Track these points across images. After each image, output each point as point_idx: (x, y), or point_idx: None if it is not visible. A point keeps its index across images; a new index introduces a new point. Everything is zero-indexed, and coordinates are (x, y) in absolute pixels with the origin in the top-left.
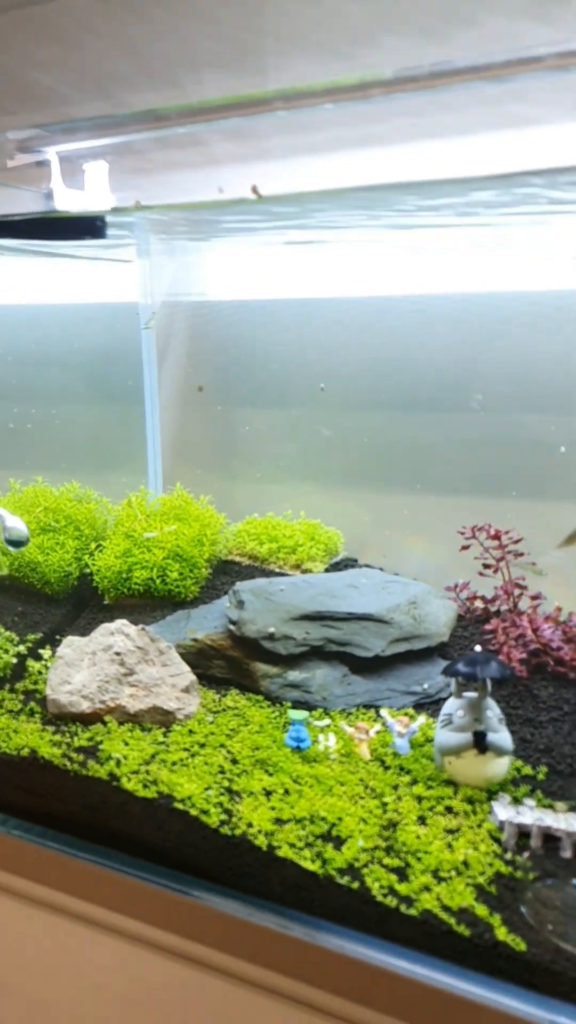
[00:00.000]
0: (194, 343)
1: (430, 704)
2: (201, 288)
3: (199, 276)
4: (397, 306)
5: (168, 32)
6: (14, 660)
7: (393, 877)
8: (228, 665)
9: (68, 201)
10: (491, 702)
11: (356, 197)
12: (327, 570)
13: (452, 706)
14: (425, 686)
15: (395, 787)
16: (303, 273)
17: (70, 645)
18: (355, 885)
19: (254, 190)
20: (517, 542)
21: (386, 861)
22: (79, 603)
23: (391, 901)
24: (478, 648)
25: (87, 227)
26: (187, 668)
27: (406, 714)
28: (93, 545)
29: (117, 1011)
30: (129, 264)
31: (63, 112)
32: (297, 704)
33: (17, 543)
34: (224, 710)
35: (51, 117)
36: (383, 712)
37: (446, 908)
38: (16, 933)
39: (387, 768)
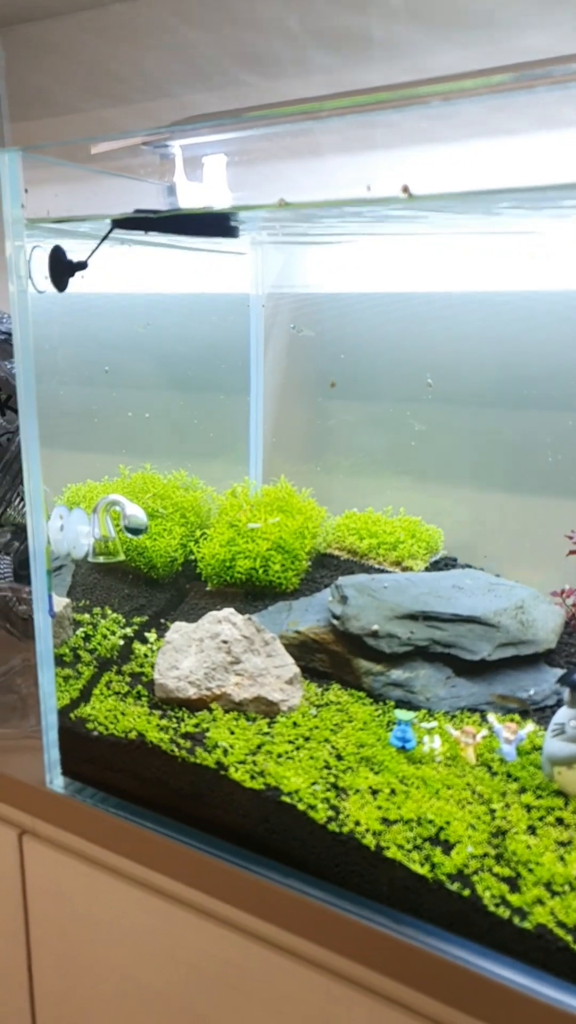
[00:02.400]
0: (298, 335)
1: (537, 711)
2: (305, 280)
3: (303, 269)
4: (508, 302)
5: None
6: (121, 642)
7: (504, 887)
8: (330, 659)
9: (189, 195)
10: None
11: (510, 197)
12: (427, 569)
13: (565, 716)
14: (532, 692)
15: (503, 794)
16: (410, 266)
17: (178, 631)
18: (466, 892)
19: (405, 189)
20: None
21: (496, 870)
22: (182, 589)
23: (503, 912)
24: None
25: (222, 226)
26: (291, 660)
27: (513, 720)
28: (198, 533)
29: (211, 994)
30: (243, 256)
31: (180, 104)
32: (400, 703)
33: (136, 531)
34: (327, 704)
35: (168, 111)
36: (490, 717)
37: (561, 924)
38: (114, 911)
39: (494, 774)
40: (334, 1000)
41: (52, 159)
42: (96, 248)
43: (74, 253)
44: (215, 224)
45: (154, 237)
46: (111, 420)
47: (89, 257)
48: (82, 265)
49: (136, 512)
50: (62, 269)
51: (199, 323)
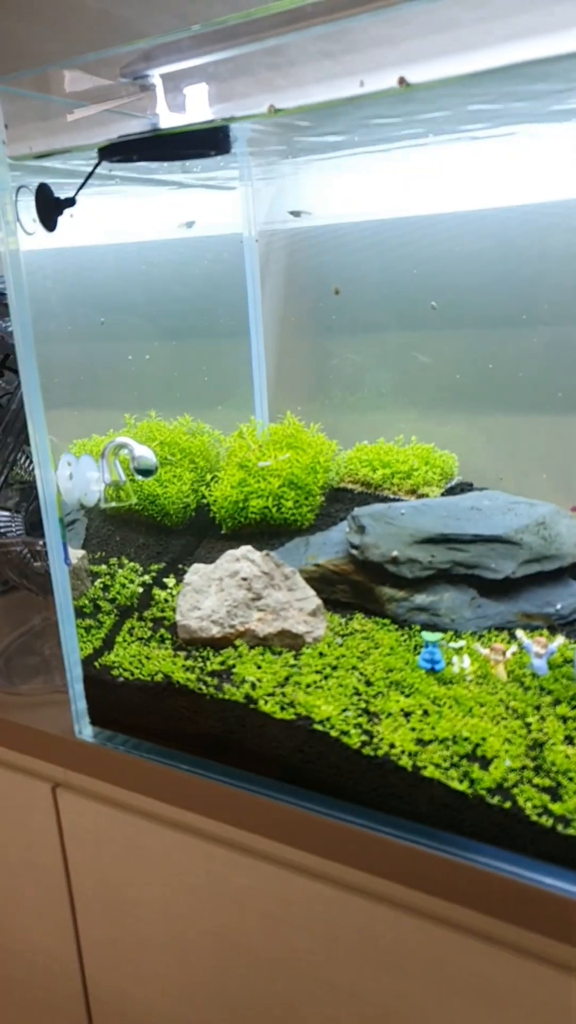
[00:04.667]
0: (293, 272)
1: (565, 625)
2: (301, 209)
3: (296, 200)
4: (513, 217)
5: None
6: (140, 589)
7: (546, 797)
8: (352, 590)
9: (172, 123)
10: None
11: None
12: (444, 495)
13: None
14: (559, 607)
15: (537, 707)
16: (407, 187)
17: (196, 572)
18: (507, 805)
19: (401, 80)
20: None
21: (536, 781)
22: (197, 534)
23: (547, 821)
24: None
25: (213, 141)
26: (312, 592)
27: (542, 634)
28: (208, 477)
29: (258, 929)
30: (233, 192)
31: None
32: (425, 628)
33: (146, 472)
34: (352, 633)
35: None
36: (519, 633)
37: None
38: (154, 855)
39: (527, 689)
40: (380, 921)
41: (31, 93)
42: (84, 182)
43: (62, 192)
44: (206, 139)
45: (142, 173)
46: (111, 373)
47: (77, 192)
48: (70, 201)
49: (145, 453)
50: (50, 207)
51: (193, 267)
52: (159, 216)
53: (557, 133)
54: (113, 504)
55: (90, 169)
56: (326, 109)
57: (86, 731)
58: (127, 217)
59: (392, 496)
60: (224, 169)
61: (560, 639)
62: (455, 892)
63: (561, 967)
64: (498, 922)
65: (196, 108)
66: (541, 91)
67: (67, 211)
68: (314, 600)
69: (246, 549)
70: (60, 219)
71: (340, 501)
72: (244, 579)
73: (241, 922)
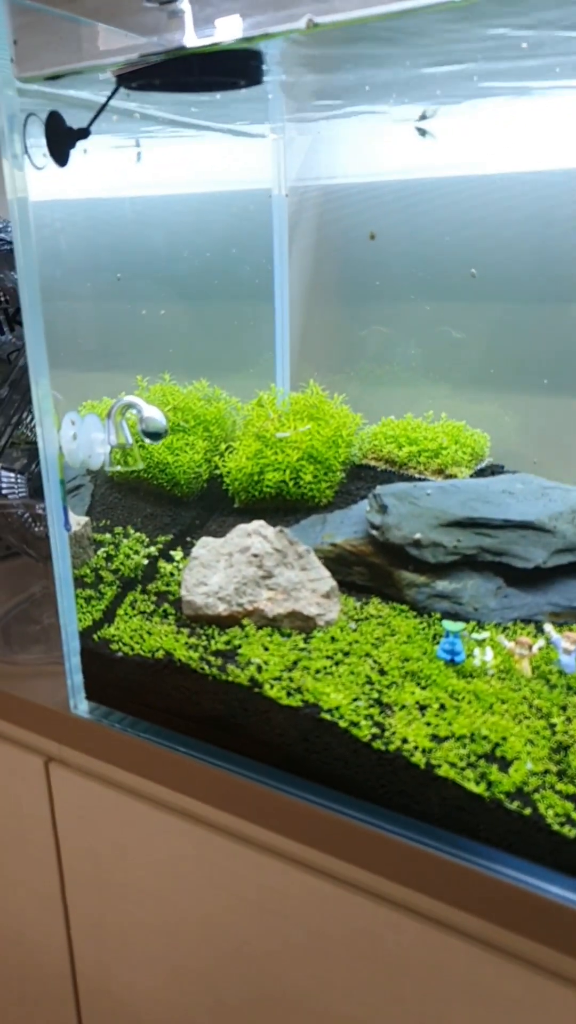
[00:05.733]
0: (325, 232)
1: None
2: (332, 171)
3: (330, 157)
4: (564, 182)
5: None
6: (145, 561)
7: (569, 805)
8: (369, 572)
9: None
10: None
11: None
12: (473, 477)
13: None
14: None
15: (563, 708)
16: (449, 148)
17: (205, 546)
18: (527, 811)
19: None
20: None
21: (559, 787)
22: (209, 506)
23: (569, 831)
24: None
25: (239, 66)
26: (327, 573)
27: (572, 629)
28: (223, 446)
29: (251, 919)
30: (263, 141)
31: None
32: (447, 616)
33: (155, 435)
34: (367, 618)
35: None
36: (547, 627)
37: None
38: (146, 837)
39: (553, 687)
40: (381, 923)
41: (43, 6)
42: (99, 111)
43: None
44: (234, 65)
45: (162, 110)
46: (125, 333)
47: (91, 123)
48: (84, 133)
49: (154, 414)
50: (62, 138)
51: (217, 224)
52: (182, 167)
53: None
54: (119, 468)
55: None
56: (371, 40)
57: (81, 706)
58: (148, 167)
59: (418, 475)
60: (254, 111)
61: None
62: (463, 898)
63: (571, 982)
64: (506, 932)
65: (224, 28)
66: None
67: (80, 145)
68: (328, 581)
69: (258, 524)
70: (73, 153)
71: (362, 479)
72: (255, 555)
73: (233, 911)
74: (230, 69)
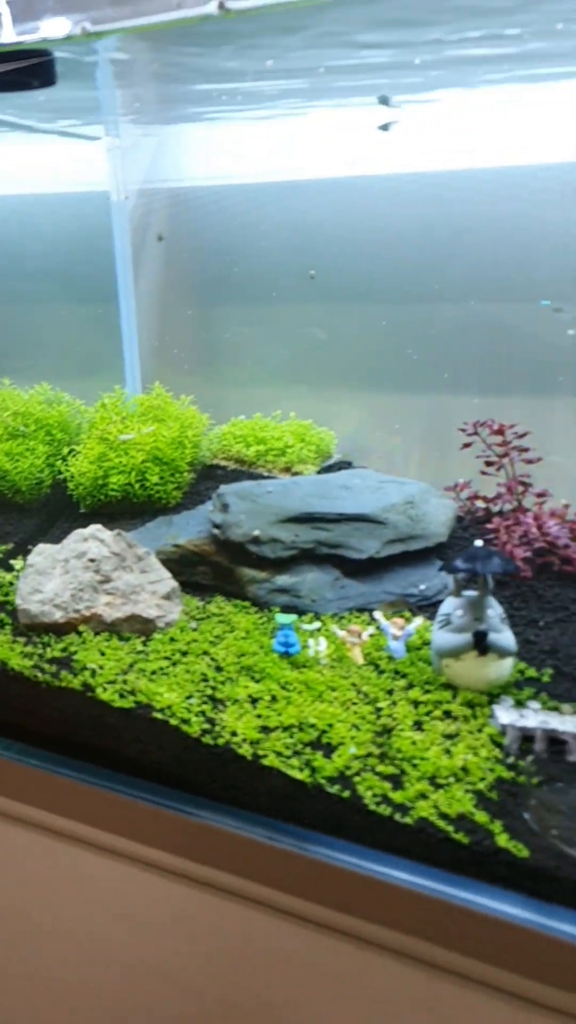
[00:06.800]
0: (176, 235)
1: (428, 607)
2: (177, 174)
3: (173, 160)
4: (396, 185)
5: None
6: None
7: (387, 785)
8: (212, 571)
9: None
10: (492, 601)
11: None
12: (319, 473)
13: (450, 606)
14: (422, 588)
15: (390, 692)
16: (287, 151)
17: (41, 553)
18: (346, 794)
19: (221, 4)
20: (522, 436)
21: (380, 769)
22: (53, 512)
23: (385, 810)
24: (479, 543)
25: (31, 69)
26: (168, 574)
27: (402, 616)
28: (66, 450)
29: (105, 925)
30: (97, 143)
31: None
32: (287, 609)
33: None
34: (208, 617)
35: None
36: (377, 614)
37: (443, 815)
38: None
39: (381, 672)
40: (222, 914)
41: None
42: None
43: None
44: (26, 65)
45: None
46: None
47: None
48: None
49: None
50: None
51: (50, 227)
52: (10, 168)
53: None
54: None
55: None
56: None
57: None
58: None
59: (266, 474)
60: (86, 113)
61: (418, 621)
62: (291, 883)
63: (395, 952)
64: (332, 912)
65: (50, 27)
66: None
67: None
68: (169, 583)
69: (95, 528)
70: None
71: (212, 479)
72: (92, 560)
73: (83, 918)
74: (24, 69)
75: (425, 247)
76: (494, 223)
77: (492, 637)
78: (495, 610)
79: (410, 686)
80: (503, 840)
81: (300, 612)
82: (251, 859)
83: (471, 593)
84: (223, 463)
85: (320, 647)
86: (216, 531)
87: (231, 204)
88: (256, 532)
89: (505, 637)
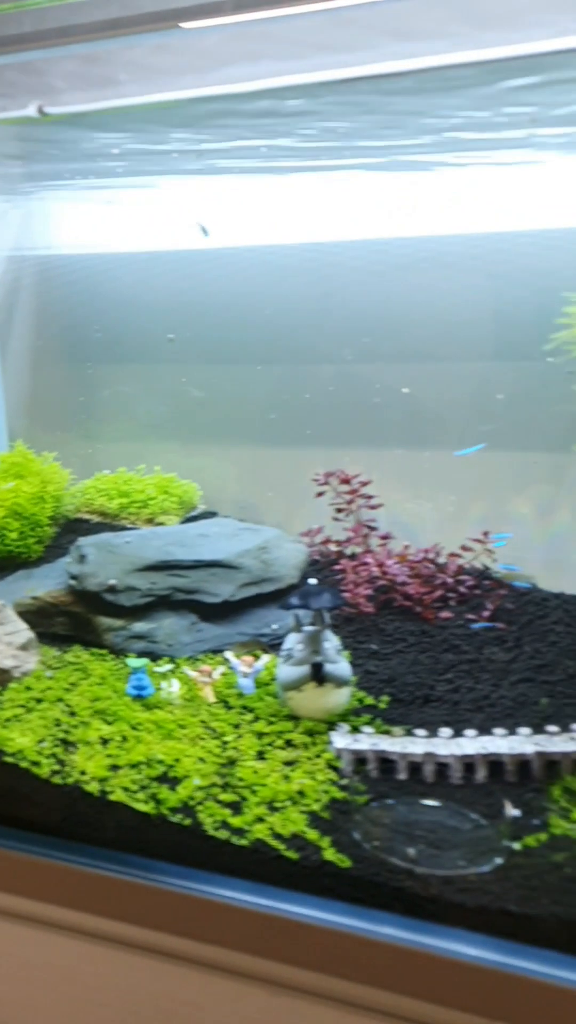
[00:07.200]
0: (42, 300)
1: (280, 645)
2: (45, 241)
3: (42, 230)
4: (243, 257)
5: None
6: None
7: (227, 811)
8: (71, 621)
9: None
10: (329, 634)
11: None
12: (182, 523)
13: (292, 640)
14: (275, 627)
15: (236, 726)
16: (145, 224)
17: None
18: (187, 822)
19: (39, 110)
20: (365, 484)
21: (222, 797)
22: None
23: (223, 834)
24: (312, 581)
25: None
26: (24, 626)
27: (251, 653)
28: None
29: None
30: None
31: None
32: (144, 655)
33: None
34: (65, 666)
35: None
36: (227, 653)
37: (277, 836)
38: None
39: (230, 708)
40: (75, 955)
41: None
42: None
43: None
44: None
45: None
46: None
47: None
48: None
49: None
50: None
51: None
52: None
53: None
54: None
55: None
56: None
57: None
58: None
59: (130, 526)
60: None
61: (265, 658)
62: (134, 913)
63: (235, 973)
64: (175, 937)
65: None
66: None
67: None
68: (25, 634)
69: None
70: None
71: (75, 532)
72: None
73: None
74: None
75: (272, 315)
76: (340, 290)
77: (328, 667)
78: (331, 642)
79: (256, 719)
80: (329, 854)
81: (157, 657)
82: (99, 893)
83: (310, 628)
84: (87, 516)
85: (173, 688)
86: (73, 582)
87: (99, 272)
88: (112, 581)
89: (341, 667)
